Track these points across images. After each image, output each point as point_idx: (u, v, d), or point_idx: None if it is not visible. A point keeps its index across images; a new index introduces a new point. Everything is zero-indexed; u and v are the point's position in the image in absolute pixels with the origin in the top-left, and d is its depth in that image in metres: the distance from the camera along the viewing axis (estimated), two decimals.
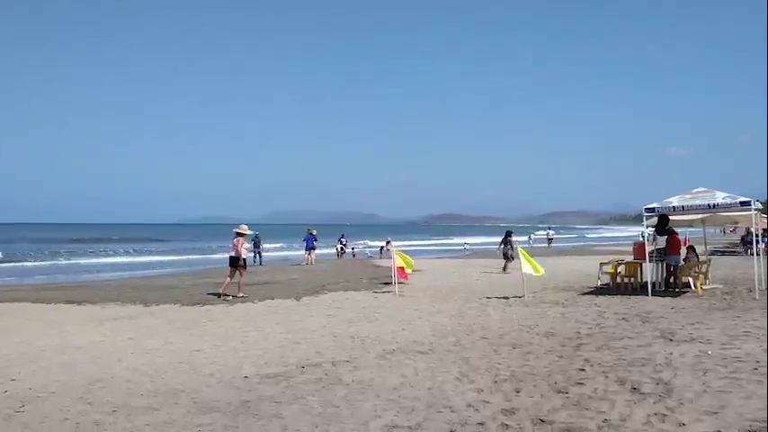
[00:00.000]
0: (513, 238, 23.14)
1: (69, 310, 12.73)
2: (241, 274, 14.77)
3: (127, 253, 45.23)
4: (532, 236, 50.44)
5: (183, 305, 13.15)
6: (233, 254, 14.85)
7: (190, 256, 41.18)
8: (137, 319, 11.20)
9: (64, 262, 36.01)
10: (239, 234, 14.97)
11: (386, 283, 16.97)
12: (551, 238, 50.63)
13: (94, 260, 37.86)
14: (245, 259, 14.95)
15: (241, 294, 14.34)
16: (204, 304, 13.22)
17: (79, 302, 13.69)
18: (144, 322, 10.87)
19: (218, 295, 14.41)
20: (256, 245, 31.57)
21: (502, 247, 22.64)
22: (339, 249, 37.53)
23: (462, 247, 53.49)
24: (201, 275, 23.17)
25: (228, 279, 14.72)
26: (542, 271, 14.07)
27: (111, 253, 44.56)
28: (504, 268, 21.25)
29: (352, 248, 38.30)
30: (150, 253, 45.86)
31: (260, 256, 31.34)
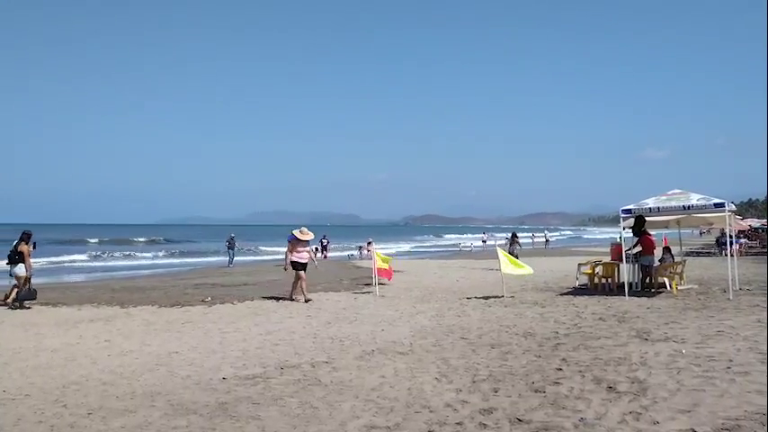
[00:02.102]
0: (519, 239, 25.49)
1: (44, 311, 12.53)
2: (298, 277, 13.79)
3: (104, 254, 44.55)
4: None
5: (162, 306, 13.02)
6: (293, 258, 13.83)
7: (171, 259, 40.73)
8: (113, 321, 11.06)
9: (39, 263, 35.25)
10: (296, 238, 13.96)
11: (366, 284, 16.97)
12: (548, 240, 52.35)
13: (71, 262, 37.26)
14: (294, 262, 13.75)
15: (303, 298, 13.59)
16: (183, 305, 13.10)
17: (54, 304, 13.48)
18: (120, 324, 10.74)
19: (291, 299, 13.70)
20: (230, 246, 31.46)
21: (509, 246, 24.37)
22: (318, 250, 37.28)
23: (460, 248, 53.79)
24: (181, 276, 23.01)
25: (297, 283, 13.89)
26: (528, 269, 14.20)
27: (89, 254, 43.81)
28: None
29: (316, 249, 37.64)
30: (130, 254, 45.25)
31: (231, 258, 31.28)
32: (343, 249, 46.39)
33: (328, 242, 38.54)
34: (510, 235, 25.76)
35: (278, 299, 14.08)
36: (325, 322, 10.57)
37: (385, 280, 16.45)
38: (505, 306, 12.14)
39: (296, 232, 13.97)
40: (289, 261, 13.83)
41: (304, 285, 13.70)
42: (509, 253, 22.38)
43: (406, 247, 58.10)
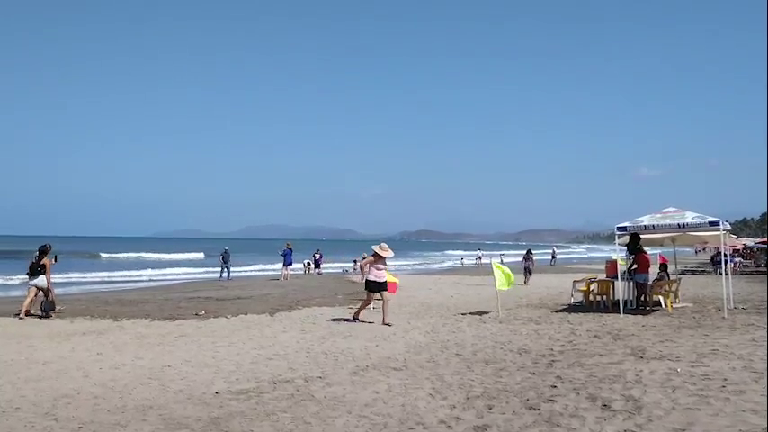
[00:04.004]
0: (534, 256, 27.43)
1: (36, 323, 12.45)
2: (368, 299, 12.64)
3: (98, 267, 44.24)
4: (503, 258, 51.78)
5: (155, 320, 12.94)
6: (370, 277, 12.51)
7: (165, 271, 40.51)
8: (106, 334, 10.98)
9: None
10: (376, 254, 12.58)
11: (361, 299, 16.90)
12: (555, 256, 52.62)
13: (63, 274, 36.92)
14: (371, 282, 12.45)
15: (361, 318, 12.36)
16: (176, 319, 13.02)
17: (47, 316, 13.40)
18: (113, 337, 10.67)
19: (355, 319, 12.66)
20: (225, 260, 31.34)
21: (524, 262, 26.16)
22: (306, 264, 37.05)
23: (462, 264, 53.73)
24: (174, 290, 22.90)
25: (367, 303, 12.86)
26: (512, 281, 14.31)
27: (82, 267, 43.38)
28: (525, 282, 24.10)
29: (308, 263, 37.52)
30: (123, 267, 44.97)
31: (228, 272, 31.15)
32: (333, 262, 46.17)
33: (321, 257, 38.34)
34: (525, 252, 27.61)
35: (272, 313, 14.03)
36: (319, 337, 10.52)
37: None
38: (500, 322, 12.12)
39: (375, 248, 12.66)
40: (364, 278, 12.62)
41: (386, 307, 12.31)
42: (524, 269, 25.04)
43: (402, 262, 57.89)
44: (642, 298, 14.18)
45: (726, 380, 6.53)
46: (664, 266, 17.13)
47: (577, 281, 16.73)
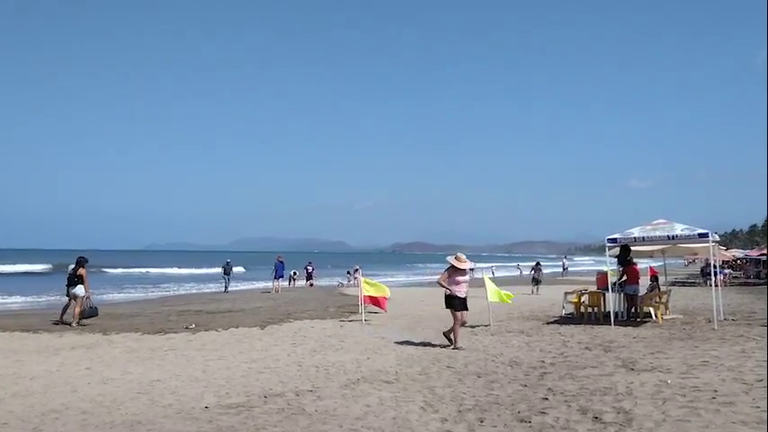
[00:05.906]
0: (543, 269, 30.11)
1: (24, 338, 12.31)
2: (455, 318, 10.75)
3: (108, 282, 43.66)
4: (495, 270, 51.98)
5: (145, 333, 12.84)
6: (449, 293, 10.82)
7: (156, 287, 40.21)
8: (95, 348, 10.88)
9: (18, 289, 34.38)
10: (453, 267, 10.92)
11: (353, 312, 16.87)
12: (566, 268, 52.75)
13: (53, 287, 36.52)
14: (452, 297, 10.76)
15: (456, 346, 10.54)
16: (166, 333, 12.93)
17: (35, 330, 13.26)
18: (102, 351, 10.57)
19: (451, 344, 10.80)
20: (227, 272, 31.25)
21: (533, 273, 28.63)
22: (290, 277, 36.80)
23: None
24: (165, 303, 22.74)
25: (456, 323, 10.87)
26: (508, 300, 14.36)
27: (92, 283, 42.40)
28: (533, 291, 26.28)
29: (295, 273, 37.53)
30: (114, 281, 44.60)
31: (227, 283, 31.05)
32: (331, 276, 46.03)
33: (314, 269, 38.20)
34: (534, 264, 29.90)
35: (263, 326, 13.95)
36: (310, 350, 10.48)
37: (372, 307, 16.29)
38: (492, 335, 12.12)
39: (451, 259, 11.08)
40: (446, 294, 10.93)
41: (457, 328, 10.77)
42: (533, 279, 27.37)
43: (395, 275, 57.69)
44: (633, 310, 14.23)
45: (716, 391, 6.55)
46: (655, 278, 17.21)
47: (568, 293, 16.77)
